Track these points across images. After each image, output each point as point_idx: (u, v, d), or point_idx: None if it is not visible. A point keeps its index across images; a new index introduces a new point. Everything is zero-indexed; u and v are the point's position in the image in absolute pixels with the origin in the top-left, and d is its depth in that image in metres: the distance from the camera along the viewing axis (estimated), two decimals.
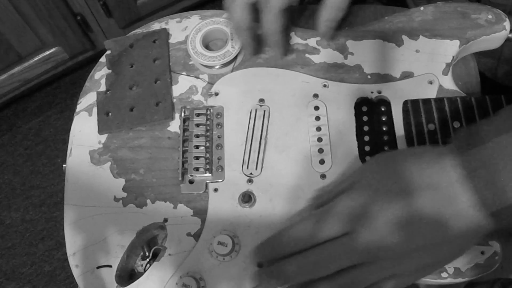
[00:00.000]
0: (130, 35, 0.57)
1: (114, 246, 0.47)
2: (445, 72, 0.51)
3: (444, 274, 0.44)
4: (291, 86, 0.52)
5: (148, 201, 0.48)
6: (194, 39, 0.54)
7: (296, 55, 0.53)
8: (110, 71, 0.54)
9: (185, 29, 0.56)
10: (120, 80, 0.54)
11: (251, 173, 0.49)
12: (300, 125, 0.50)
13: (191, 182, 0.49)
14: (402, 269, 0.38)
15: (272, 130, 0.50)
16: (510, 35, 0.52)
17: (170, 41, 0.56)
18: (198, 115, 0.51)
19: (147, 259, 0.49)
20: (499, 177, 0.35)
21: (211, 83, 0.53)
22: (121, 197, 0.49)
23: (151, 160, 0.50)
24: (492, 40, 0.52)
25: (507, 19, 0.51)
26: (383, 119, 0.50)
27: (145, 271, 0.47)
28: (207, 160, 0.49)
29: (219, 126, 0.51)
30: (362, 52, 0.53)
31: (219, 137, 0.50)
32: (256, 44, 0.53)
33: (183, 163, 0.49)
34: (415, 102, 0.50)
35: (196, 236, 0.47)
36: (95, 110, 0.53)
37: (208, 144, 0.50)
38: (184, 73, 0.54)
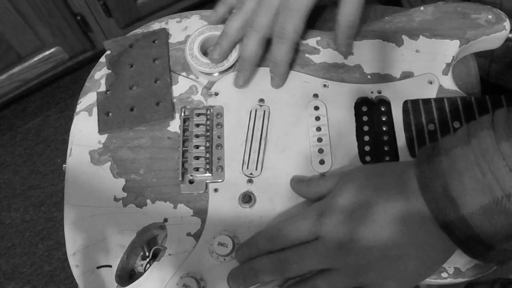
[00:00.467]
0: (130, 35, 0.57)
1: (114, 246, 0.47)
2: (445, 72, 0.51)
3: (444, 274, 0.44)
4: (291, 86, 0.52)
5: (148, 201, 0.48)
6: (192, 46, 0.53)
7: (296, 55, 0.53)
8: (110, 71, 0.54)
9: (185, 29, 0.56)
10: (120, 80, 0.54)
11: (251, 173, 0.49)
12: (300, 125, 0.50)
13: (191, 182, 0.49)
14: (369, 279, 0.40)
15: (272, 130, 0.50)
16: (510, 35, 0.52)
17: (170, 41, 0.56)
18: (198, 115, 0.51)
19: (147, 259, 0.49)
20: (451, 189, 0.35)
21: (208, 88, 0.53)
22: (121, 197, 0.49)
23: (151, 160, 0.50)
24: (492, 40, 0.52)
25: (507, 19, 0.51)
26: (383, 119, 0.50)
27: (145, 271, 0.47)
28: (207, 160, 0.49)
29: (219, 126, 0.51)
30: (362, 52, 0.53)
31: (219, 137, 0.50)
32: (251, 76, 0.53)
33: (183, 163, 0.49)
34: (415, 102, 0.50)
35: (196, 236, 0.47)
36: (95, 110, 0.53)
37: (208, 144, 0.50)
38: (183, 73, 0.54)
